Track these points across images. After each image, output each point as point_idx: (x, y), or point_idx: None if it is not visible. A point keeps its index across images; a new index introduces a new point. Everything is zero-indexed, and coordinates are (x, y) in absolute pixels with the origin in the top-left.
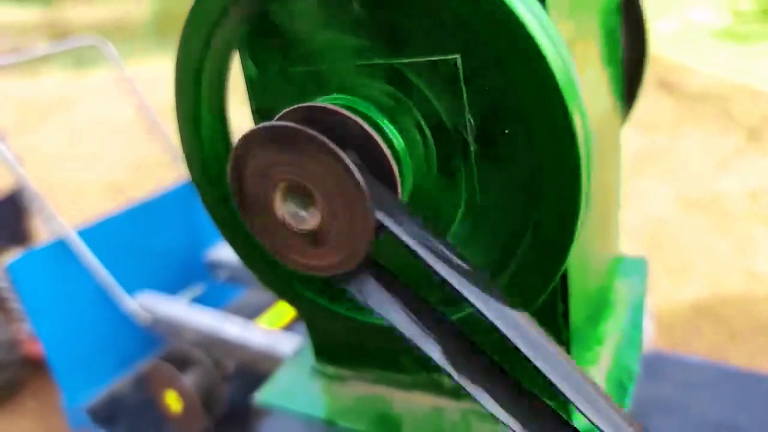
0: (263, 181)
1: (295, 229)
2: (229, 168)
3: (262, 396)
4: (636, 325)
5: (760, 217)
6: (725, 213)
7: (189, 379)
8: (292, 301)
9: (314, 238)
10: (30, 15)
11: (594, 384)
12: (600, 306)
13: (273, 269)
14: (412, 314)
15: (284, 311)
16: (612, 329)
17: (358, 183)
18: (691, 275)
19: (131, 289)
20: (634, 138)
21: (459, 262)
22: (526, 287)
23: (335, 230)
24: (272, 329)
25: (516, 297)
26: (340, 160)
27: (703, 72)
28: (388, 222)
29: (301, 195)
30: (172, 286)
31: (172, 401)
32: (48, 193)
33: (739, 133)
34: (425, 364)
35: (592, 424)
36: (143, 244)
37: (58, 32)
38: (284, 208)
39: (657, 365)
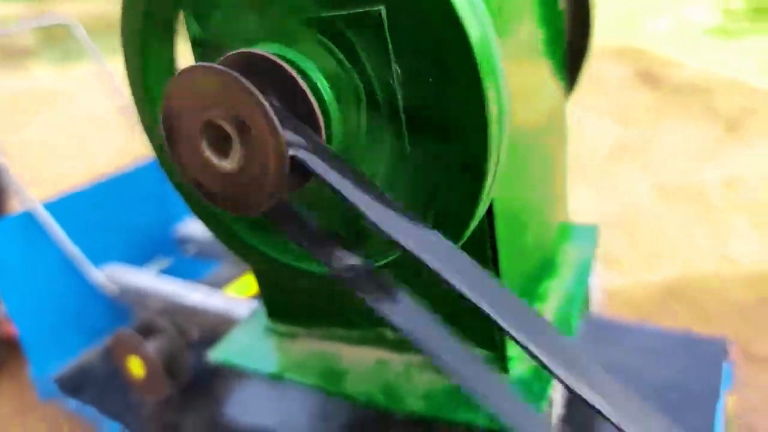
0: (190, 123)
1: (219, 170)
2: (161, 111)
3: (216, 354)
4: (580, 283)
5: (736, 204)
6: (702, 201)
7: (151, 346)
8: (243, 255)
9: (237, 177)
10: (15, 9)
11: (531, 310)
12: (544, 266)
13: (223, 222)
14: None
15: (251, 282)
16: (556, 288)
17: (271, 121)
18: (665, 259)
19: (99, 262)
20: (615, 129)
21: (386, 202)
22: (445, 233)
23: (255, 168)
24: (235, 296)
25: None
26: (255, 98)
27: (689, 66)
28: (310, 160)
29: (225, 136)
30: (140, 260)
31: (135, 367)
32: (33, 183)
33: (719, 124)
34: (370, 317)
35: (533, 355)
36: (111, 218)
37: (44, 28)
38: (208, 150)
39: (610, 332)
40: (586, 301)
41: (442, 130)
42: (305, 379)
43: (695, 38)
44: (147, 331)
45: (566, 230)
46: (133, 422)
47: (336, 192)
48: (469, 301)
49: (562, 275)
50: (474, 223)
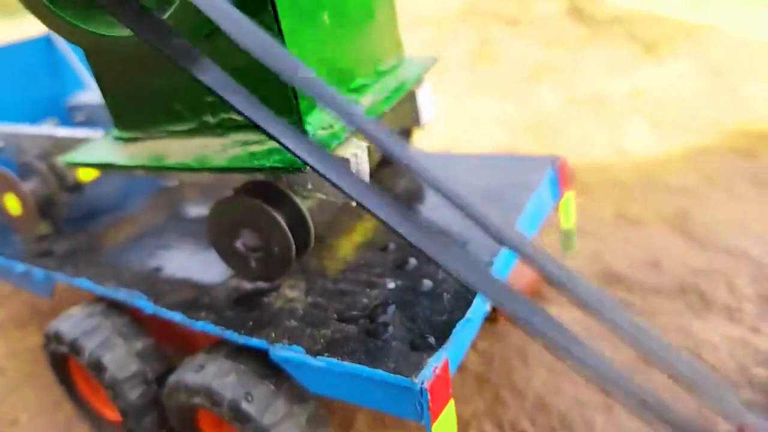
0: None
1: None
2: None
3: (67, 158)
4: (398, 90)
5: (637, 109)
6: (607, 108)
7: (27, 186)
8: (57, 29)
9: None
10: None
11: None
12: (364, 69)
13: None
14: None
15: None
16: (376, 90)
17: None
18: (562, 151)
19: None
20: (539, 53)
21: None
22: None
23: None
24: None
25: None
26: None
27: (615, 3)
28: None
29: None
30: (32, 122)
31: (12, 204)
32: None
33: (637, 48)
34: (194, 107)
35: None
36: (4, 87)
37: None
38: None
39: (455, 160)
40: (414, 113)
41: None
42: (134, 163)
43: None
44: (25, 172)
45: (404, 60)
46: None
47: None
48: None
49: (385, 82)
50: None
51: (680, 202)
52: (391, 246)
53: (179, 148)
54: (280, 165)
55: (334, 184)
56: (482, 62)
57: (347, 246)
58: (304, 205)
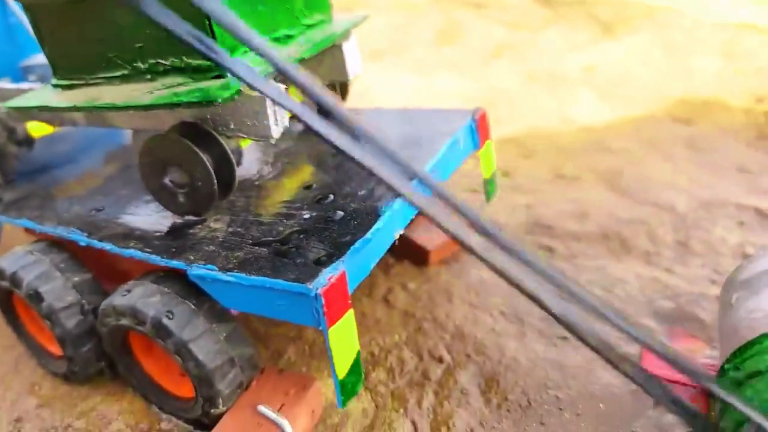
0: None
1: None
2: None
3: (7, 104)
4: (325, 41)
5: (588, 82)
6: (560, 82)
7: None
8: None
9: None
10: None
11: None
12: (289, 22)
13: None
14: None
15: None
16: (302, 41)
17: None
18: (514, 122)
19: None
20: (502, 33)
21: None
22: None
23: None
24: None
25: None
26: None
27: None
28: None
29: None
30: None
31: None
32: None
33: (596, 28)
34: (127, 54)
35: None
36: None
37: None
38: None
39: (383, 114)
40: (341, 67)
41: None
42: (69, 104)
43: None
44: None
45: (333, 18)
46: None
47: None
48: None
49: (311, 34)
50: None
51: (617, 162)
52: (315, 186)
53: (112, 92)
54: (196, 100)
55: (278, 103)
56: (447, 42)
57: (275, 186)
58: (228, 145)
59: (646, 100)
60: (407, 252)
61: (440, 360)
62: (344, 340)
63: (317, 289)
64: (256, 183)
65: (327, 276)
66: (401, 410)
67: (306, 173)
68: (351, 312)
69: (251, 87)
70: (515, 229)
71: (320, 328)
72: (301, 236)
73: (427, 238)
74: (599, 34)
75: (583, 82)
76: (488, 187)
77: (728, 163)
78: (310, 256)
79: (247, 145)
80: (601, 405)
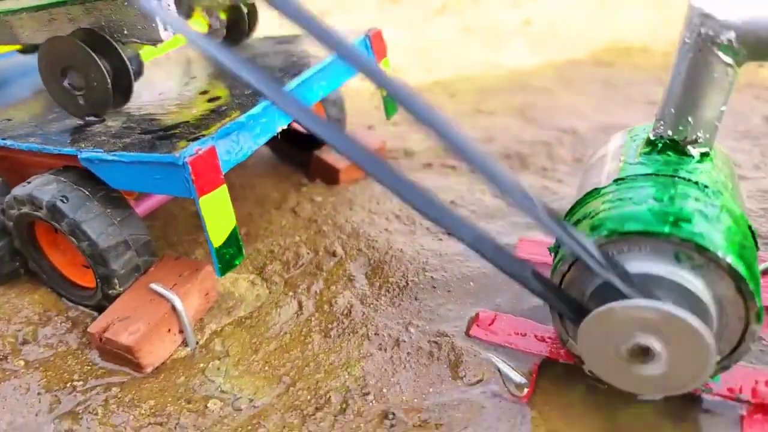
0: None
1: None
2: None
3: None
4: None
5: (522, 34)
6: (495, 34)
7: None
8: None
9: None
10: None
11: None
12: None
13: None
14: None
15: None
16: None
17: None
18: (444, 68)
19: None
20: None
21: None
22: None
23: None
24: None
25: None
26: None
27: None
28: None
29: None
30: None
31: None
32: None
33: None
34: None
35: None
36: None
37: None
38: None
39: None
40: None
41: None
42: None
43: None
44: None
45: None
46: None
47: None
48: None
49: None
50: None
51: (532, 98)
52: (210, 92)
53: (8, 3)
54: None
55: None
56: (395, 3)
57: (175, 94)
58: (125, 53)
59: (574, 48)
60: (319, 172)
61: (334, 254)
62: (218, 211)
63: (184, 158)
64: (159, 94)
65: (194, 148)
66: (291, 293)
67: (205, 84)
68: (224, 187)
69: None
70: (425, 153)
71: (192, 197)
72: (185, 125)
73: (338, 158)
74: None
75: (518, 33)
76: (387, 105)
77: (639, 97)
78: (186, 137)
79: (150, 59)
80: (471, 283)
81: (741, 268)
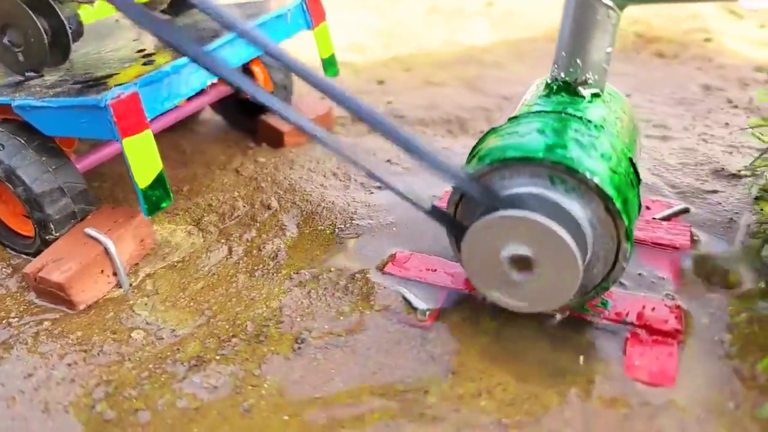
0: None
1: None
2: None
3: None
4: None
5: (484, 15)
6: (458, 15)
7: None
8: None
9: None
10: None
11: None
12: None
13: None
14: None
15: None
16: None
17: None
18: (404, 45)
19: None
20: None
21: None
22: None
23: None
24: None
25: None
26: None
27: None
28: None
29: None
30: None
31: None
32: None
33: None
34: None
35: None
36: None
37: None
38: None
39: None
40: None
41: None
42: None
43: None
44: None
45: None
46: None
47: None
48: None
49: None
50: None
51: (483, 70)
52: (150, 52)
53: None
54: None
55: None
56: None
57: (116, 56)
58: (63, 12)
59: (533, 28)
60: (265, 136)
61: (269, 207)
62: (143, 154)
63: (106, 101)
64: (98, 53)
65: (116, 92)
66: (223, 241)
67: (151, 48)
68: (149, 132)
69: None
70: None
71: (116, 139)
72: (116, 77)
73: (283, 121)
74: None
75: (481, 14)
76: (326, 67)
77: None
78: (113, 84)
79: (91, 21)
80: (394, 229)
81: (609, 189)
